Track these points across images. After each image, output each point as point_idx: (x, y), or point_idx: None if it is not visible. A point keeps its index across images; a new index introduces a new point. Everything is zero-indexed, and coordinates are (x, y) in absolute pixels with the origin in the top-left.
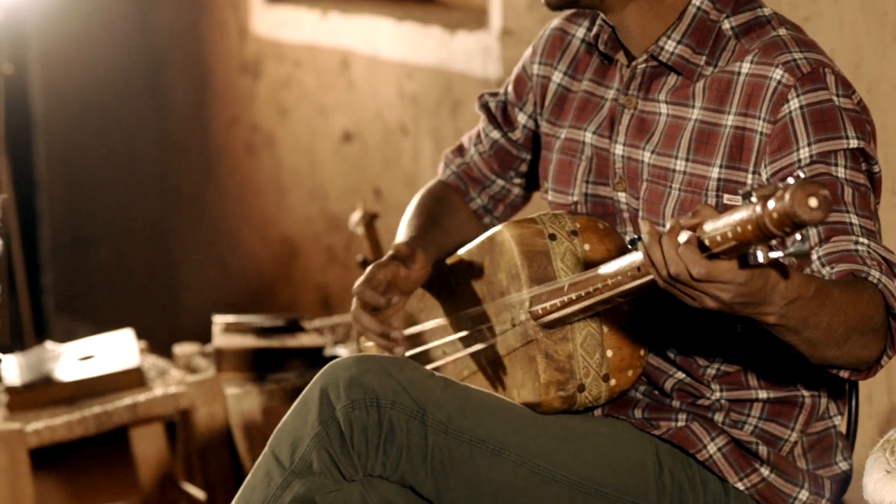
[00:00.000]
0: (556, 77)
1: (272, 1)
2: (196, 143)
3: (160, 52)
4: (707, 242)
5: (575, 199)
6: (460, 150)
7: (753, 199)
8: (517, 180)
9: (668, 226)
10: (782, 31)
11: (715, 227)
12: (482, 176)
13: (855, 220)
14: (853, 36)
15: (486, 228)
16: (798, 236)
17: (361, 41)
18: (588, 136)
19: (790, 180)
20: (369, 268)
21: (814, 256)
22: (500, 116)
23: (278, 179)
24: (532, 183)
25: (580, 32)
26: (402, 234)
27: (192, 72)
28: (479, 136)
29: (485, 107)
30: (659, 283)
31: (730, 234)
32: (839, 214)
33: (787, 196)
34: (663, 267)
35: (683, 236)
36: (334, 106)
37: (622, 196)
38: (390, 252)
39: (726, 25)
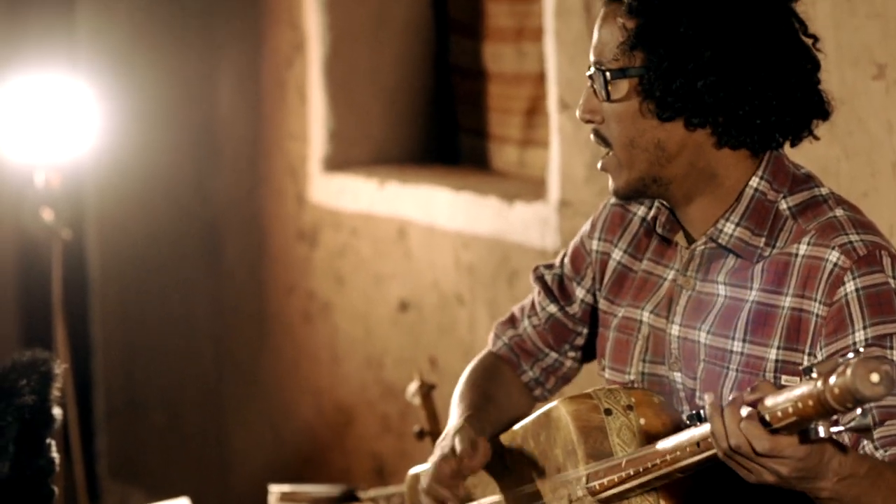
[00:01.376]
0: (617, 255)
1: (330, 170)
2: (252, 310)
3: (218, 218)
4: (768, 418)
5: (632, 377)
6: (512, 322)
7: (814, 374)
8: (571, 353)
9: (730, 398)
10: (839, 212)
11: (776, 402)
12: (536, 349)
13: None
14: None
15: (537, 401)
16: (859, 411)
17: (419, 210)
18: (645, 316)
19: (850, 356)
20: (435, 462)
21: None
22: (556, 290)
23: (334, 347)
24: (585, 355)
25: (641, 211)
26: (455, 408)
27: (249, 238)
28: (533, 308)
29: (540, 279)
30: (719, 454)
31: (791, 410)
32: (894, 398)
33: (848, 372)
34: (724, 439)
35: (745, 410)
36: (391, 275)
37: (678, 376)
38: (453, 441)
39: (783, 206)
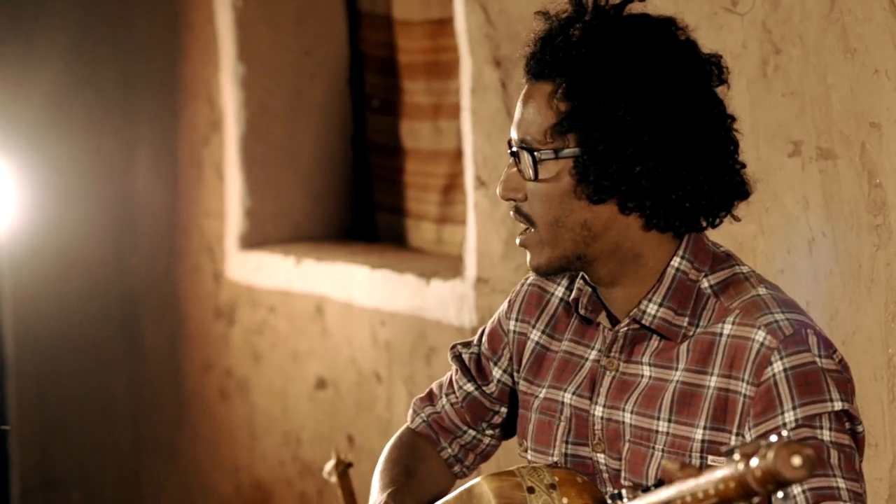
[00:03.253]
0: (535, 335)
1: (247, 247)
2: (169, 388)
3: (135, 295)
4: (689, 500)
5: (555, 459)
6: (430, 398)
7: (736, 456)
8: (489, 431)
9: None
10: (762, 290)
11: (697, 483)
12: (454, 426)
13: (842, 483)
14: (828, 288)
15: (457, 477)
16: (780, 494)
17: (336, 287)
18: (567, 397)
19: (773, 438)
20: None
21: None
22: (473, 369)
23: (251, 425)
24: (504, 433)
25: (559, 291)
26: (376, 484)
27: (166, 316)
28: (451, 385)
29: (457, 358)
30: None
31: (712, 491)
32: (826, 479)
33: (770, 454)
34: None
35: None
36: (308, 352)
37: (601, 457)
38: None
39: (705, 284)
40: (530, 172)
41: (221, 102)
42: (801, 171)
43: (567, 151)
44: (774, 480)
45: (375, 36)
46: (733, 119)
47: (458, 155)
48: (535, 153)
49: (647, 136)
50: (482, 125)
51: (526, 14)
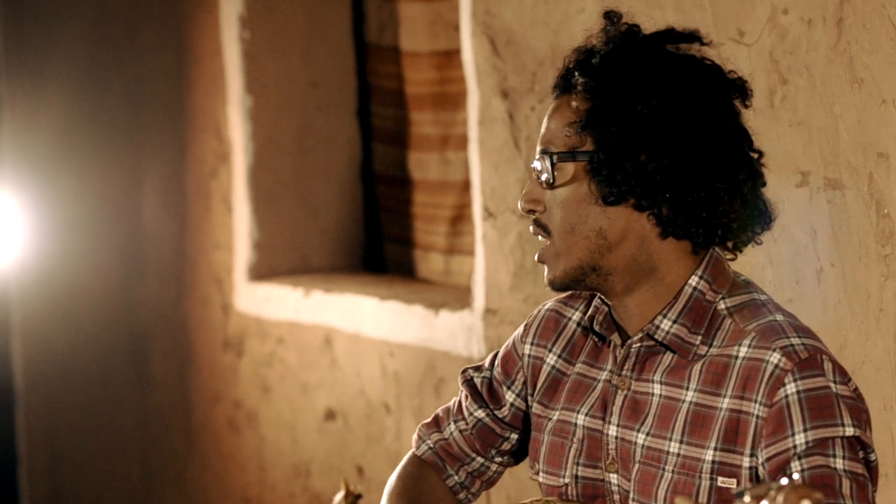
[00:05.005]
0: (550, 359)
1: (255, 279)
2: (178, 420)
3: (144, 328)
4: None
5: (566, 480)
6: (437, 424)
7: (747, 498)
8: (498, 458)
9: None
10: (779, 317)
11: None
12: (462, 453)
13: None
14: (837, 318)
15: None
16: None
17: (344, 319)
18: (580, 419)
19: (783, 481)
20: None
21: None
22: (485, 393)
23: (261, 456)
24: (511, 459)
25: (576, 316)
26: None
27: (175, 348)
28: (459, 411)
29: (468, 383)
30: None
31: None
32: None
33: (779, 498)
34: None
35: None
36: (317, 383)
37: (614, 477)
38: None
39: (722, 306)
40: (549, 177)
41: (229, 134)
42: (809, 201)
43: (583, 150)
44: None
45: (383, 67)
46: (760, 154)
47: (465, 186)
48: (553, 156)
49: (661, 134)
50: (489, 156)
51: (533, 46)
